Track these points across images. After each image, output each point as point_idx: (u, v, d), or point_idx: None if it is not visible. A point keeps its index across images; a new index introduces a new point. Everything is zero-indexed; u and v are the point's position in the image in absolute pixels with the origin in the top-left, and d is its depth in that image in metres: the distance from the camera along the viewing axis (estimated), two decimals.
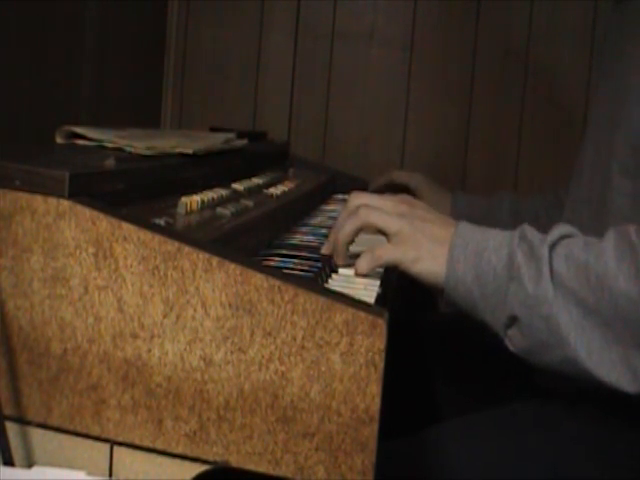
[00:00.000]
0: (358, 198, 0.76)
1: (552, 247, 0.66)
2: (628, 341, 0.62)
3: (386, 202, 0.75)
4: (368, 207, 0.74)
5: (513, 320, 0.66)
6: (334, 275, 0.75)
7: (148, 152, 0.81)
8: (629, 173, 0.76)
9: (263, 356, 0.54)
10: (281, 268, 0.72)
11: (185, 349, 0.56)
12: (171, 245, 0.56)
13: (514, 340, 0.67)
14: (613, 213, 0.78)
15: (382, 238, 0.75)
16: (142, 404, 0.57)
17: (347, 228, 0.75)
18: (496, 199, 1.25)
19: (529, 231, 0.68)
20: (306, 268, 0.74)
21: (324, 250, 0.79)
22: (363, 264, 0.73)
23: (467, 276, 0.68)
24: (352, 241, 0.77)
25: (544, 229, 1.16)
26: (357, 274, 0.73)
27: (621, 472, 0.72)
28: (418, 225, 0.72)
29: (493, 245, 0.68)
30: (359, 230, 0.75)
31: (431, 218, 0.74)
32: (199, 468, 0.56)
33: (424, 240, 0.71)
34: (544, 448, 0.74)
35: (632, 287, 0.61)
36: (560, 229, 0.68)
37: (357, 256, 0.74)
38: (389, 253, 0.72)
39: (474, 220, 1.23)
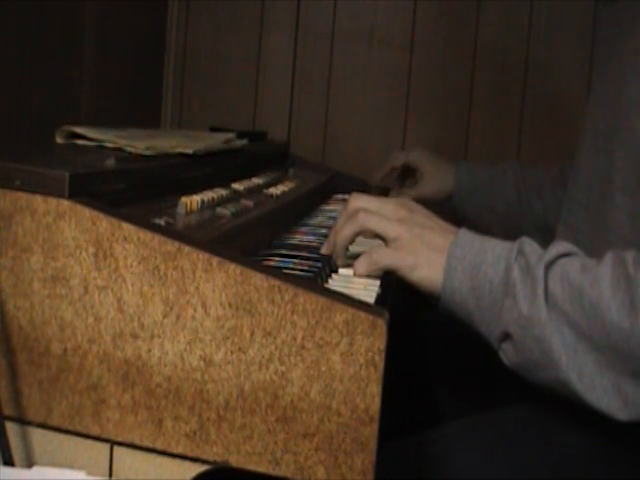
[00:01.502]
0: (358, 201, 0.76)
1: (548, 266, 0.65)
2: (620, 368, 0.62)
3: (386, 206, 0.75)
4: (367, 211, 0.74)
5: (506, 336, 0.66)
6: (334, 275, 0.75)
7: (148, 152, 0.81)
8: (630, 190, 0.76)
9: (263, 356, 0.54)
10: (281, 268, 0.72)
11: (185, 349, 0.56)
12: (171, 245, 0.56)
13: (507, 355, 0.67)
14: (611, 229, 0.78)
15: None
16: (142, 404, 0.57)
17: (345, 232, 0.75)
18: (500, 170, 1.25)
19: (528, 245, 0.68)
20: (306, 268, 0.74)
21: (323, 251, 0.79)
22: (361, 267, 0.73)
23: (463, 287, 0.68)
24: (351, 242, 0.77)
25: (547, 204, 1.16)
26: (355, 276, 0.73)
27: (619, 473, 0.72)
28: (417, 232, 0.72)
29: (491, 258, 0.68)
30: (357, 234, 0.75)
31: (431, 225, 0.73)
32: (199, 468, 0.56)
33: (422, 248, 0.71)
34: (543, 450, 0.74)
35: (624, 319, 0.60)
36: (558, 247, 0.67)
37: (357, 256, 0.74)
38: (387, 258, 0.72)
39: (478, 189, 1.24)
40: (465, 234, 0.71)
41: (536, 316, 0.63)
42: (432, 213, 0.77)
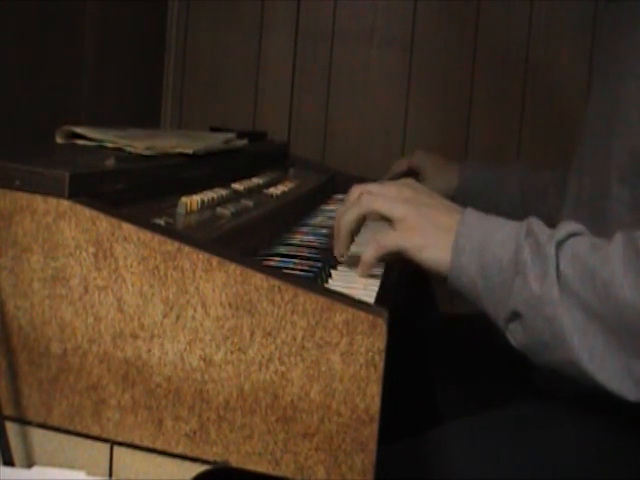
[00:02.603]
0: (360, 186, 0.76)
1: (559, 245, 0.65)
2: (631, 349, 0.61)
3: (389, 188, 0.74)
4: (371, 194, 0.73)
5: (516, 316, 0.66)
6: (334, 275, 0.75)
7: (148, 152, 0.81)
8: (627, 181, 0.76)
9: (263, 356, 0.54)
10: (281, 268, 0.72)
11: (185, 349, 0.56)
12: (171, 245, 0.56)
13: (515, 335, 0.67)
14: (612, 221, 0.78)
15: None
16: (142, 404, 0.57)
17: (350, 215, 0.74)
18: (506, 171, 1.24)
19: (536, 225, 0.67)
20: (306, 268, 0.74)
21: (335, 252, 0.77)
22: (369, 253, 0.71)
23: (472, 267, 0.67)
24: (357, 230, 0.76)
25: (552, 206, 1.16)
26: (363, 263, 0.72)
27: (620, 473, 0.72)
28: (423, 211, 0.71)
29: (500, 237, 0.67)
30: (362, 217, 0.74)
31: (436, 204, 0.73)
32: (199, 468, 0.56)
33: (430, 227, 0.70)
34: (544, 450, 0.73)
35: (637, 297, 0.60)
36: (567, 227, 0.67)
37: (357, 257, 0.74)
38: (395, 240, 0.71)
39: (482, 190, 1.23)
40: (472, 213, 0.70)
41: (547, 296, 0.63)
42: (436, 194, 0.76)
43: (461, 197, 1.26)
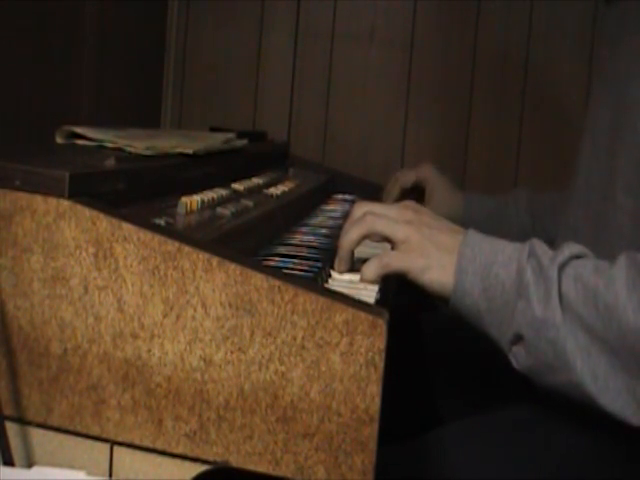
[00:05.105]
0: (362, 206, 0.76)
1: (561, 268, 0.65)
2: (634, 371, 0.61)
3: (391, 209, 0.75)
4: (374, 214, 0.74)
5: (519, 338, 0.66)
6: (334, 275, 0.75)
7: (148, 152, 0.81)
8: (632, 192, 0.76)
9: (263, 356, 0.54)
10: (281, 268, 0.72)
11: (185, 349, 0.56)
12: (171, 245, 0.56)
13: (518, 358, 0.67)
14: (611, 226, 0.78)
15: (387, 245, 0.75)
16: (142, 404, 0.57)
17: (352, 235, 0.74)
18: (512, 197, 1.22)
19: (539, 247, 0.67)
20: (306, 268, 0.74)
21: (336, 267, 0.77)
22: (371, 271, 0.72)
23: (474, 289, 0.68)
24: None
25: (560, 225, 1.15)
26: (362, 281, 0.72)
27: (619, 475, 0.72)
28: (426, 232, 0.71)
29: (502, 259, 0.67)
30: (364, 237, 0.74)
31: (438, 225, 0.73)
32: (199, 468, 0.56)
33: (432, 248, 0.70)
34: (543, 451, 0.73)
35: None
36: (570, 248, 0.67)
37: (361, 260, 0.74)
38: (397, 261, 0.71)
39: (489, 220, 1.22)
40: (474, 234, 0.71)
41: (550, 318, 0.63)
42: (436, 214, 0.76)
43: (468, 226, 1.23)
